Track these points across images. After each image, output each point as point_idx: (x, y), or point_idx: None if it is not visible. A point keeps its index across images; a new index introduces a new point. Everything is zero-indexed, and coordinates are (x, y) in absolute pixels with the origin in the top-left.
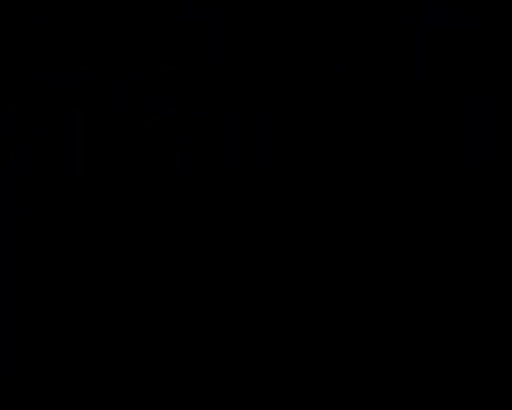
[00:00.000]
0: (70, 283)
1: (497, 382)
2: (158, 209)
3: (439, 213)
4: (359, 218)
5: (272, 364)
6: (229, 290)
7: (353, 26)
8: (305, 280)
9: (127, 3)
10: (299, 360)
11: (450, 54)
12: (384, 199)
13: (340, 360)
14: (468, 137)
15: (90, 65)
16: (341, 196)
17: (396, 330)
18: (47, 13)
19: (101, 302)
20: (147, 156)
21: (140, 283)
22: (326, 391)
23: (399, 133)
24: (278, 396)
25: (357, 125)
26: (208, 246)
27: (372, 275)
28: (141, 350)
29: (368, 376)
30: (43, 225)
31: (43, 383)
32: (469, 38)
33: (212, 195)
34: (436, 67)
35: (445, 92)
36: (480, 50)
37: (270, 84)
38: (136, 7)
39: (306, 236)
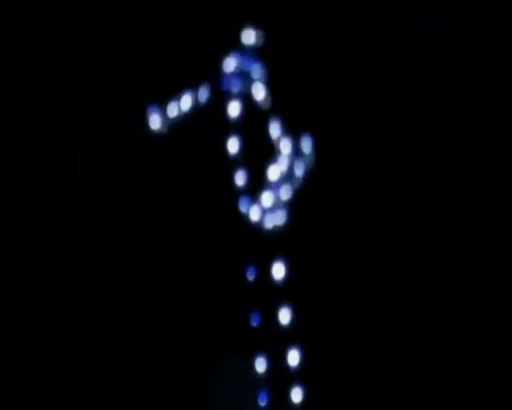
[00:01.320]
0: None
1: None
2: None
3: (438, 212)
4: (358, 218)
5: None
6: None
7: (353, 25)
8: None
9: (127, 3)
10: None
11: (450, 54)
12: (383, 199)
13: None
14: (468, 137)
15: (90, 65)
16: (339, 195)
17: (396, 330)
18: (47, 13)
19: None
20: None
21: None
22: None
23: (399, 133)
24: None
25: (356, 125)
26: None
27: (370, 275)
28: None
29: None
30: (44, 225)
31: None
32: (469, 38)
33: None
34: (436, 67)
35: (445, 92)
36: (480, 50)
37: (271, 83)
38: (136, 7)
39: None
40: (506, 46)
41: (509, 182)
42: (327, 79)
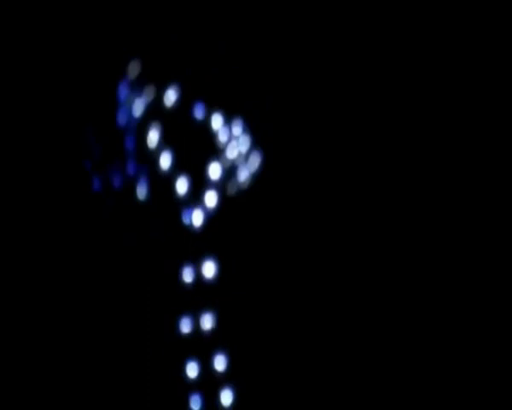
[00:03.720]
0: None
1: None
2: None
3: (438, 212)
4: (358, 218)
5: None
6: None
7: (353, 25)
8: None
9: (127, 3)
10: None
11: (449, 53)
12: (383, 199)
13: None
14: (467, 137)
15: (89, 65)
16: (340, 196)
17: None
18: (47, 13)
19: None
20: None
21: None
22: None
23: (399, 133)
24: None
25: (356, 124)
26: None
27: (369, 275)
28: None
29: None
30: (43, 225)
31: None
32: (469, 38)
33: None
34: (436, 66)
35: (445, 92)
36: (480, 50)
37: (271, 84)
38: (136, 6)
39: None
40: (506, 46)
41: (509, 182)
42: (326, 78)
